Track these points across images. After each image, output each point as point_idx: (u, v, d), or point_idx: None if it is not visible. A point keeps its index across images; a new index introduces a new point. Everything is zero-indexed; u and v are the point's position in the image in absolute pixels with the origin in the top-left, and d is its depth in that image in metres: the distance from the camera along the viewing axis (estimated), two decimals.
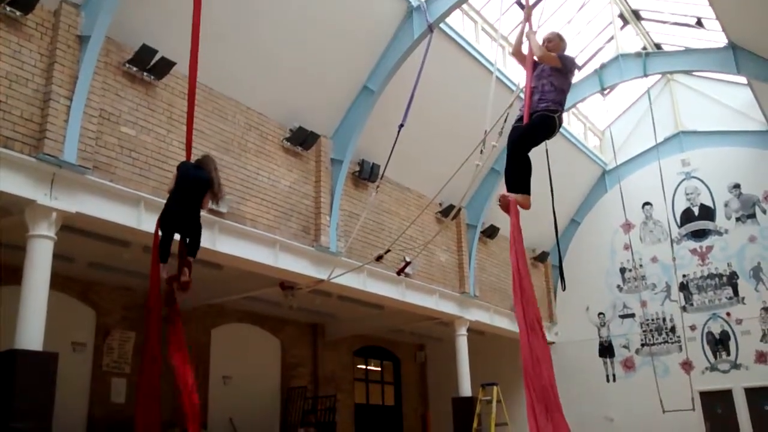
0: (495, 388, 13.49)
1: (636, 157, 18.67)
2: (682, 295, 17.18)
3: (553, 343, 18.66)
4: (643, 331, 17.57)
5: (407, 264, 11.10)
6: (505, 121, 6.63)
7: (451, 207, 14.43)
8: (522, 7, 6.05)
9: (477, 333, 16.39)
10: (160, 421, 6.78)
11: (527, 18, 5.95)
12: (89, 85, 8.22)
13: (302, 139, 11.45)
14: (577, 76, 16.43)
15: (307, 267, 11.24)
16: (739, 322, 16.37)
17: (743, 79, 15.88)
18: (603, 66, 16.75)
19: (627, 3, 16.53)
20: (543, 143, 5.77)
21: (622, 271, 18.34)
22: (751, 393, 15.76)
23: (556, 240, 8.28)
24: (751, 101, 16.36)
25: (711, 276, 17.03)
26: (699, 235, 17.43)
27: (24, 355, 7.09)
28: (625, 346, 17.85)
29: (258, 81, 10.82)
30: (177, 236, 6.92)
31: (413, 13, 11.98)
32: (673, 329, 17.16)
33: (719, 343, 16.53)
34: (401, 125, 10.01)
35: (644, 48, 17.02)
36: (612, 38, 17.07)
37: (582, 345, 18.33)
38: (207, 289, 11.82)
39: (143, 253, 9.17)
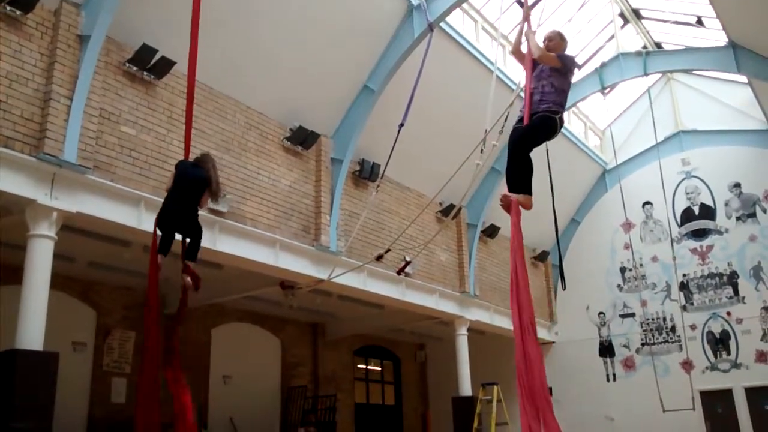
0: (495, 387, 13.49)
1: (636, 157, 18.66)
2: (682, 294, 17.17)
3: (554, 342, 18.71)
4: (644, 331, 17.57)
5: (407, 263, 11.08)
6: (506, 120, 6.63)
7: (451, 206, 14.43)
8: (522, 5, 6.03)
9: (477, 332, 16.39)
10: (160, 421, 6.78)
11: (526, 17, 5.93)
12: (89, 85, 8.21)
13: (302, 139, 11.45)
14: (577, 75, 16.43)
15: (308, 266, 11.24)
16: (739, 321, 16.37)
17: (743, 78, 15.86)
18: (603, 65, 16.74)
19: (627, 2, 16.53)
20: (543, 143, 5.77)
21: (623, 270, 18.34)
22: (752, 392, 15.75)
23: (557, 239, 8.28)
24: (751, 100, 16.35)
25: (711, 275, 17.02)
26: (699, 234, 17.43)
27: (24, 354, 7.08)
28: (625, 346, 17.85)
29: (258, 80, 10.82)
30: (179, 237, 6.91)
31: (413, 12, 11.97)
32: (673, 329, 17.16)
33: (719, 342, 16.52)
34: (401, 124, 10.00)
35: (644, 47, 17.02)
36: (612, 37, 17.06)
37: (582, 344, 18.32)
38: (207, 289, 11.65)
39: (143, 252, 9.17)
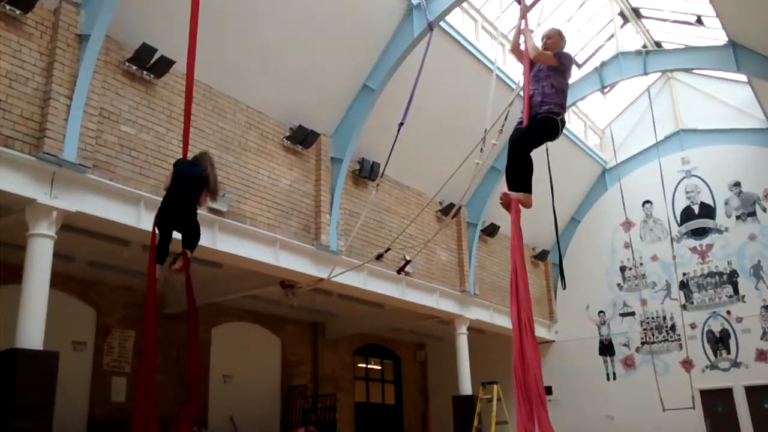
0: (495, 386, 13.49)
1: (636, 156, 18.66)
2: (682, 293, 17.17)
3: (554, 341, 18.71)
4: (644, 330, 17.57)
5: (407, 262, 11.05)
6: (506, 119, 6.62)
7: (451, 205, 14.43)
8: (520, 3, 6.03)
9: (477, 331, 16.39)
10: (157, 418, 6.78)
11: (523, 15, 5.92)
12: (89, 84, 8.21)
13: (302, 138, 11.45)
14: (577, 74, 16.46)
15: (308, 266, 11.25)
16: (739, 320, 16.37)
17: (743, 77, 15.85)
18: (603, 64, 16.73)
19: (627, 1, 16.52)
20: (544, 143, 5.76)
21: (623, 269, 18.34)
22: (752, 391, 15.75)
23: (557, 238, 8.29)
24: (751, 99, 16.34)
25: (711, 274, 17.02)
26: (699, 233, 17.42)
27: (24, 354, 7.09)
28: (625, 345, 17.85)
29: (258, 80, 10.81)
30: (177, 236, 6.90)
31: (413, 11, 11.97)
32: (673, 327, 17.16)
33: (719, 341, 16.52)
34: (401, 123, 9.99)
35: (644, 46, 17.01)
36: (612, 36, 17.06)
37: (582, 343, 18.32)
38: (207, 288, 11.81)
39: (143, 251, 9.14)
